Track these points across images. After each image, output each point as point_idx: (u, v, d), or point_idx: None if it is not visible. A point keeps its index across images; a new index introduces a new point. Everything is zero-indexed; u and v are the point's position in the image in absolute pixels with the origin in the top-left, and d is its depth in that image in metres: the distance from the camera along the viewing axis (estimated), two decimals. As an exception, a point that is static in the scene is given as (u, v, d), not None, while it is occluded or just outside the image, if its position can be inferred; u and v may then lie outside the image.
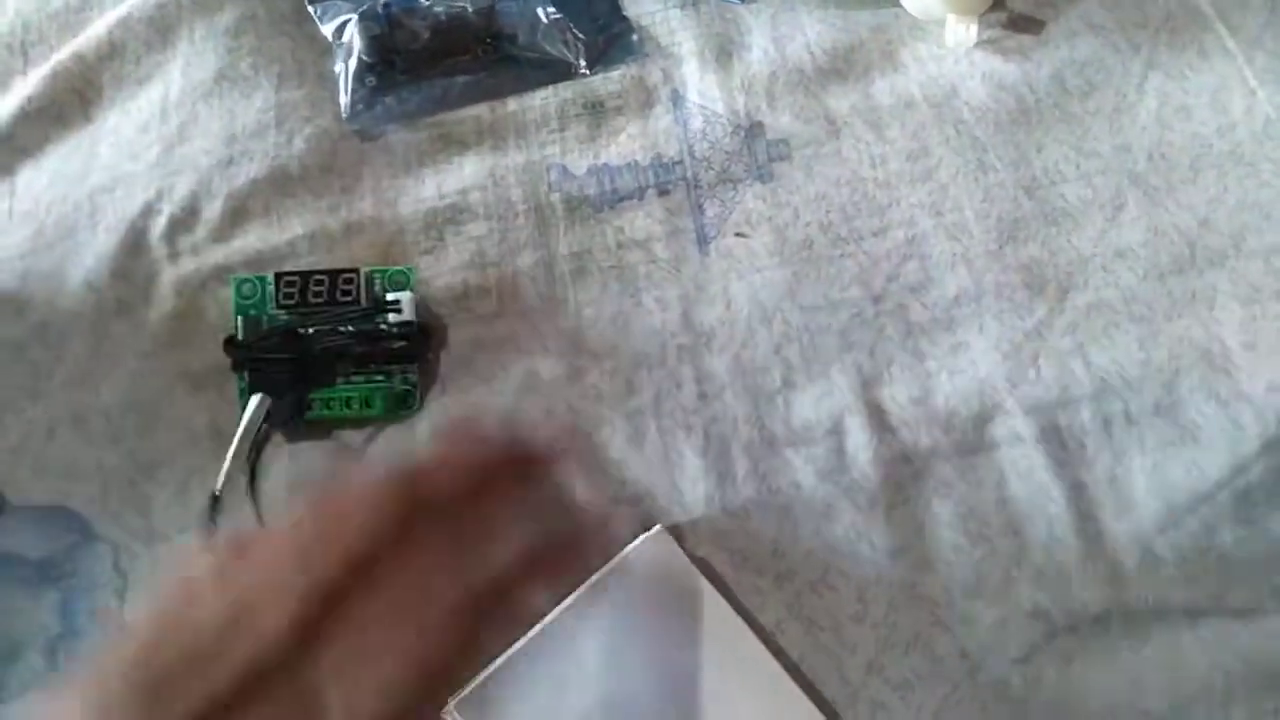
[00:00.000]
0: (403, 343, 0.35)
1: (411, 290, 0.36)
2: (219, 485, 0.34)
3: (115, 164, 0.38)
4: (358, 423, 0.36)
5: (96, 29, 0.38)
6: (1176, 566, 0.34)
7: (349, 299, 0.35)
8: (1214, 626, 0.34)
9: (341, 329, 0.35)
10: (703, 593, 0.32)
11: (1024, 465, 0.35)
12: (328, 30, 0.39)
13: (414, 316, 0.35)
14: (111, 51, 0.38)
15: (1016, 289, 0.37)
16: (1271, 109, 0.39)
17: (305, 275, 0.35)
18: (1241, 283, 0.37)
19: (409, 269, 0.36)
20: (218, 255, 0.37)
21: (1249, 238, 0.37)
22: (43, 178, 0.38)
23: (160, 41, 0.39)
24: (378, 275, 0.36)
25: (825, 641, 0.35)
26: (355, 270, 0.35)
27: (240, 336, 0.35)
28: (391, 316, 0.35)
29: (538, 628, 0.31)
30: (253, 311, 0.36)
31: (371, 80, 0.38)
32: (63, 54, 0.38)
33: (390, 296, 0.35)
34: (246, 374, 0.35)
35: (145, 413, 0.35)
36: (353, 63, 0.38)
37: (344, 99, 0.38)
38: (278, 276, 0.35)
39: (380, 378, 0.36)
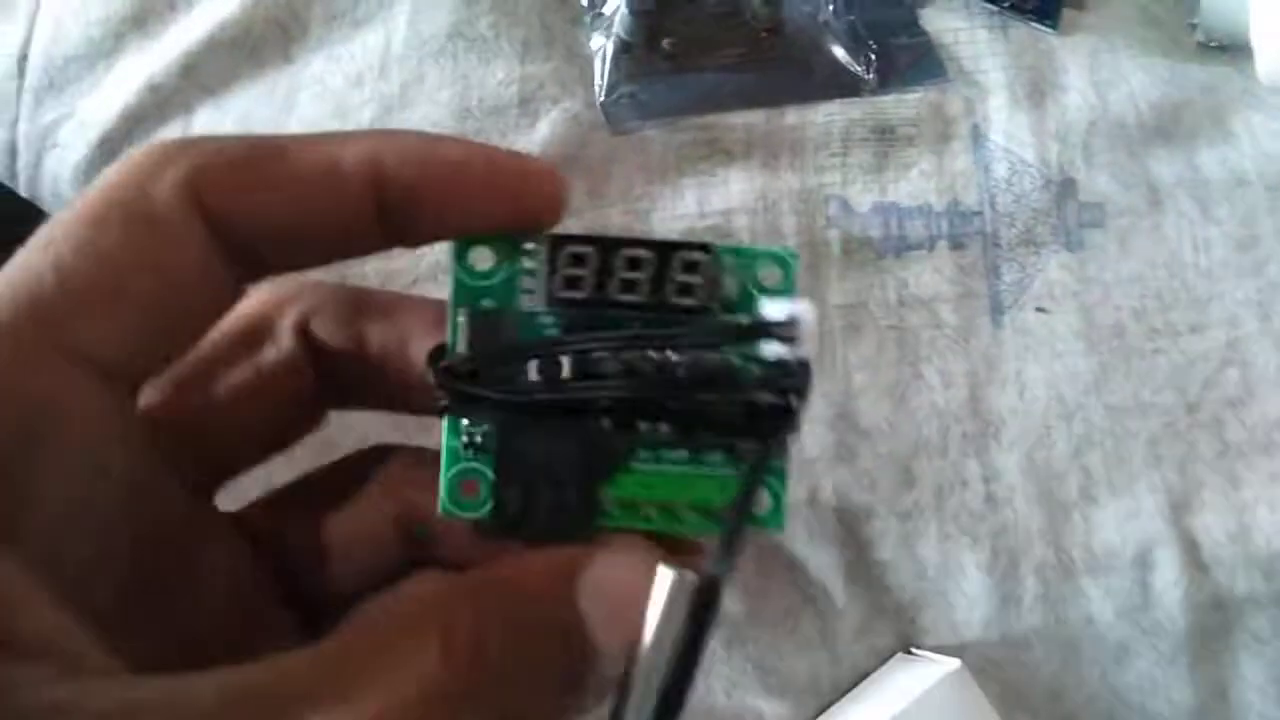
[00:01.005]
0: (779, 399, 0.18)
1: (800, 297, 0.18)
2: None
3: (318, 120, 0.31)
4: (674, 541, 0.18)
5: (315, -48, 0.31)
6: None
7: (689, 300, 0.18)
8: None
9: (671, 355, 0.18)
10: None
11: (1347, 628, 0.30)
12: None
13: (810, 352, 0.18)
14: (329, -18, 0.31)
15: (1346, 418, 0.32)
16: None
17: (607, 244, 0.18)
18: None
19: (791, 254, 0.19)
20: (436, 251, 0.31)
21: None
22: (226, 122, 0.31)
23: (388, -21, 0.32)
24: (738, 261, 0.19)
25: (1101, 804, 0.30)
26: (705, 247, 0.18)
27: (460, 347, 0.18)
28: (766, 348, 0.17)
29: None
30: (488, 301, 0.18)
31: (630, 63, 0.32)
32: (270, -24, 0.31)
33: (769, 308, 0.17)
34: (469, 428, 0.18)
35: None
36: (612, 40, 0.32)
37: (600, 81, 0.32)
38: (554, 242, 0.18)
39: (719, 459, 0.18)
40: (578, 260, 0.18)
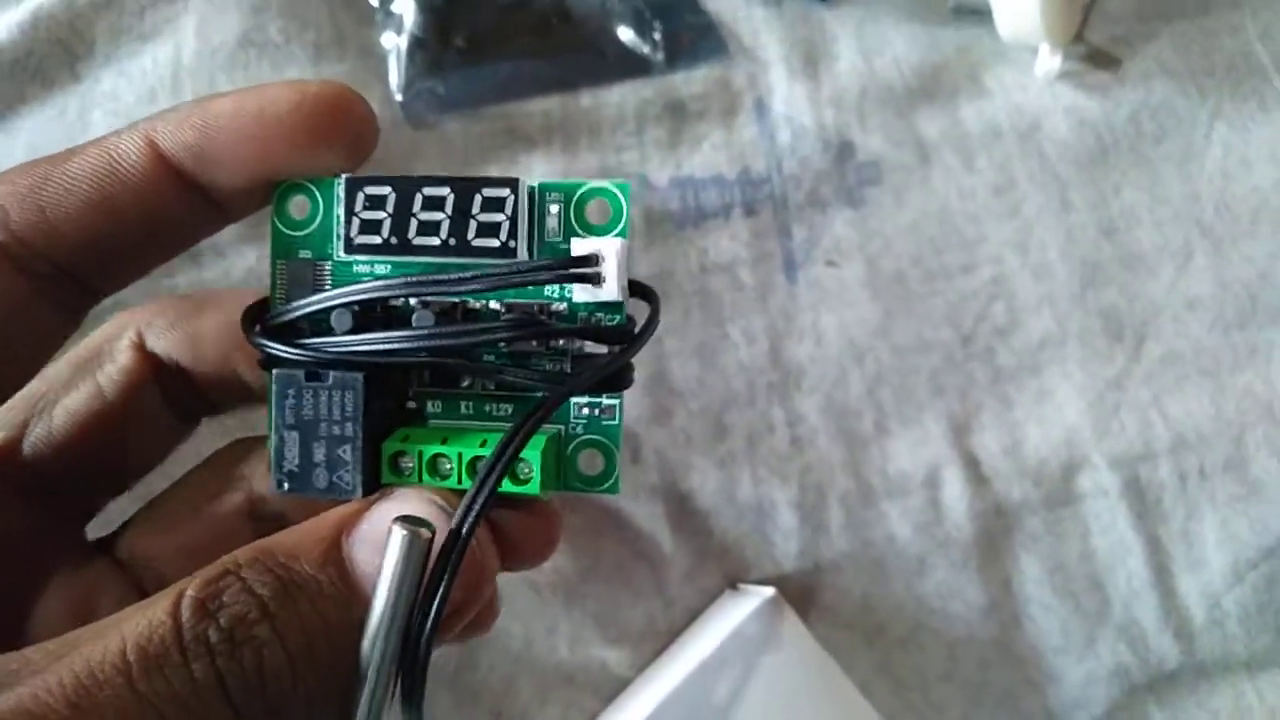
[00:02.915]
0: (598, 346, 0.18)
1: (624, 235, 0.17)
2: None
3: (111, 137, 0.31)
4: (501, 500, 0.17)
5: (90, -32, 0.31)
6: (1240, 621, 0.35)
7: (495, 242, 0.17)
8: (1272, 679, 0.35)
9: (479, 299, 0.18)
10: (829, 671, 0.30)
11: (1107, 519, 0.35)
12: (374, -4, 0.33)
13: (623, 294, 0.17)
14: (108, -2, 0.31)
15: (1098, 336, 0.36)
16: (1324, 167, 0.40)
17: (409, 185, 0.17)
18: (1296, 339, 0.37)
19: (621, 186, 0.18)
20: (247, 258, 0.31)
21: (1302, 294, 0.38)
22: (16, 148, 0.30)
23: (170, -10, 0.32)
24: (552, 195, 0.18)
25: (913, 700, 0.33)
26: (512, 182, 0.17)
27: (280, 298, 0.18)
28: (578, 291, 0.17)
29: (650, 706, 0.28)
30: (305, 252, 0.18)
31: (424, 59, 0.33)
32: (45, -5, 0.30)
33: (579, 246, 0.17)
34: (295, 383, 0.17)
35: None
36: (405, 37, 0.33)
37: (395, 79, 0.33)
38: (354, 184, 0.17)
39: (508, 411, 0.18)
40: (374, 203, 0.17)
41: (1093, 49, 0.39)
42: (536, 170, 0.34)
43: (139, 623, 0.13)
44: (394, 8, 0.33)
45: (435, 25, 0.33)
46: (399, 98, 0.33)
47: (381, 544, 0.15)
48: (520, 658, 0.31)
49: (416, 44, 0.33)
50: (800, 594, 0.33)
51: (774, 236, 0.35)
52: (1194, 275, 0.38)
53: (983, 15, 0.38)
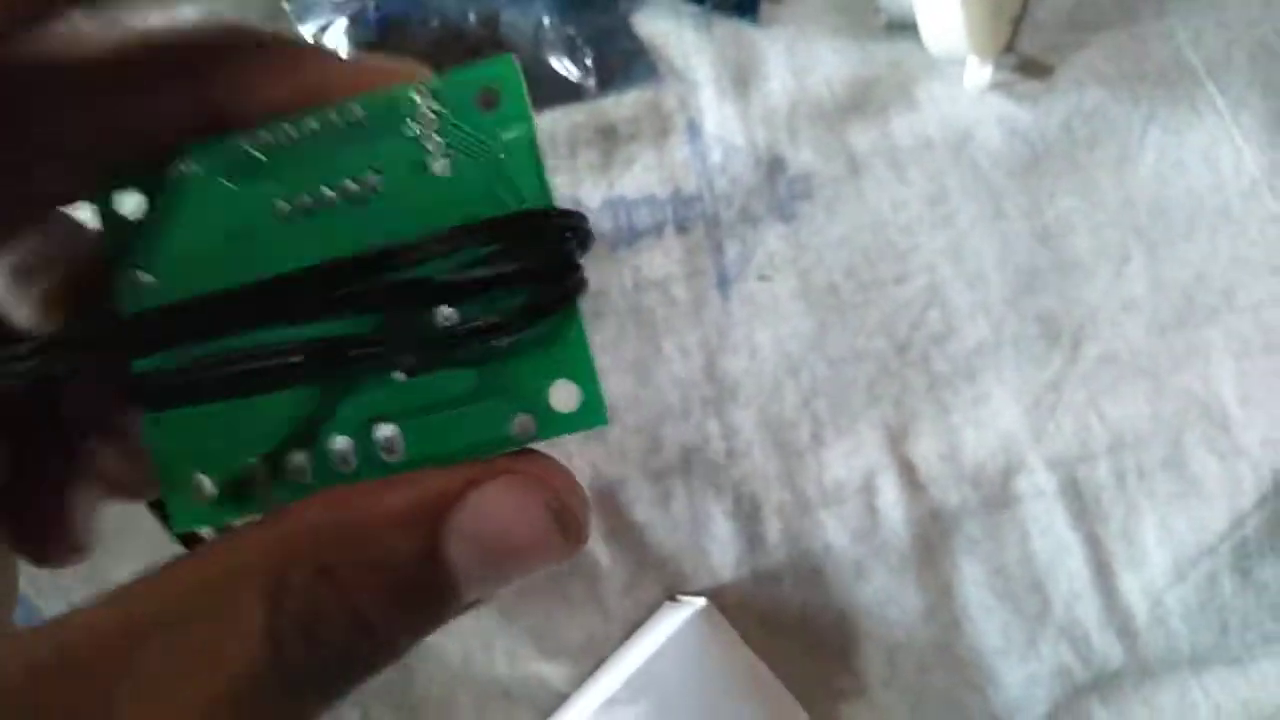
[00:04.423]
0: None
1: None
2: None
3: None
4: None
5: (28, 15, 0.32)
6: (1182, 619, 0.35)
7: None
8: (1217, 675, 0.35)
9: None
10: (763, 679, 0.30)
11: (1046, 520, 0.35)
12: (306, 32, 0.34)
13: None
14: (47, 43, 0.32)
15: (1034, 340, 0.37)
16: (1257, 169, 0.40)
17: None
18: (1234, 338, 0.38)
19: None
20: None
21: (1239, 293, 0.38)
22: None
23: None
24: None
25: (855, 708, 0.34)
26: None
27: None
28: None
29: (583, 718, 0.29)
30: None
31: (359, 91, 0.34)
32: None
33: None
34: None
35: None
36: (339, 71, 0.34)
37: (329, 112, 0.34)
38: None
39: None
40: None
41: (1024, 59, 0.40)
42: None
43: (239, 655, 0.11)
44: (327, 40, 0.34)
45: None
46: (333, 130, 0.34)
47: (484, 541, 0.12)
48: (458, 674, 0.32)
49: (350, 77, 0.34)
50: (739, 604, 0.33)
51: (707, 253, 0.36)
52: (1130, 278, 0.38)
53: (914, 29, 0.39)
